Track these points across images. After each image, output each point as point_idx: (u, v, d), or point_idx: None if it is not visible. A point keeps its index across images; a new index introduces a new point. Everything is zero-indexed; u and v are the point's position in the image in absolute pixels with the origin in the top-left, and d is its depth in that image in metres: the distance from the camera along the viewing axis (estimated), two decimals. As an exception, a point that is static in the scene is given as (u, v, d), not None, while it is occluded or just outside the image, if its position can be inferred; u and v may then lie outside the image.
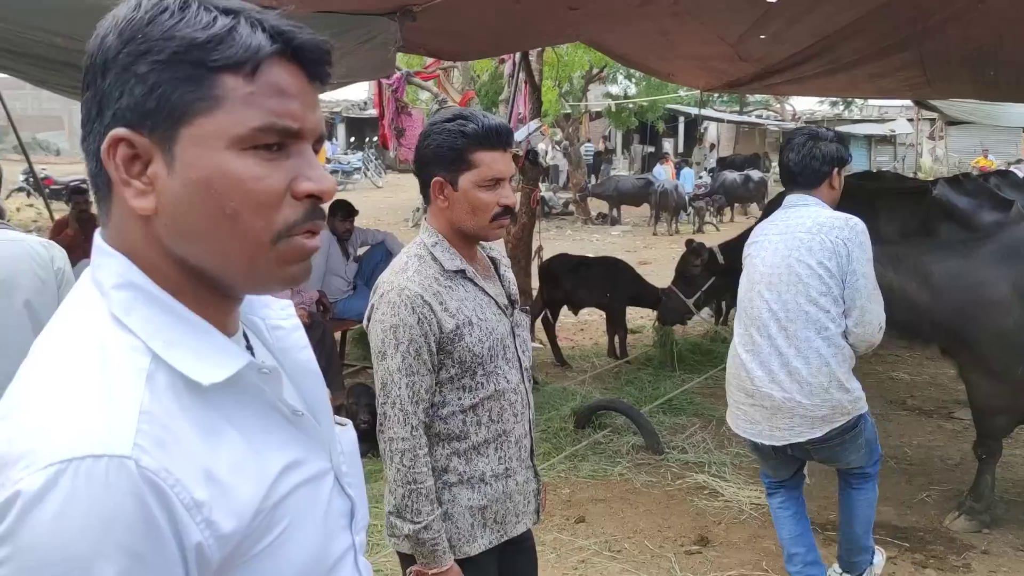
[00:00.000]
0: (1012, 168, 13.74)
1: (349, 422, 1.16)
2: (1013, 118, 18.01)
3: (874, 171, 7.94)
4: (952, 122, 21.35)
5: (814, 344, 3.11)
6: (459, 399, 2.05)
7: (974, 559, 3.98)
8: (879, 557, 3.74)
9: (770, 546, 4.09)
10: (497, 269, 2.25)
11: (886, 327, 3.20)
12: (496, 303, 2.12)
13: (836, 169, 3.27)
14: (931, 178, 10.64)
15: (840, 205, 3.35)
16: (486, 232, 2.08)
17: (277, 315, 1.10)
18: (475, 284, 2.09)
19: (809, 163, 3.25)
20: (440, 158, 2.03)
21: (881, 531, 4.24)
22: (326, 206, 1.20)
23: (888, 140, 33.80)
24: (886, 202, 5.75)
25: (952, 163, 27.57)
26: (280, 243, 0.89)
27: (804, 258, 3.12)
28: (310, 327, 5.77)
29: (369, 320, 2.06)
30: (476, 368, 2.05)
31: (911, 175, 21.80)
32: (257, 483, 0.87)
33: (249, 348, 1.01)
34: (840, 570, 3.65)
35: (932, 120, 26.65)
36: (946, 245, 4.36)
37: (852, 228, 3.12)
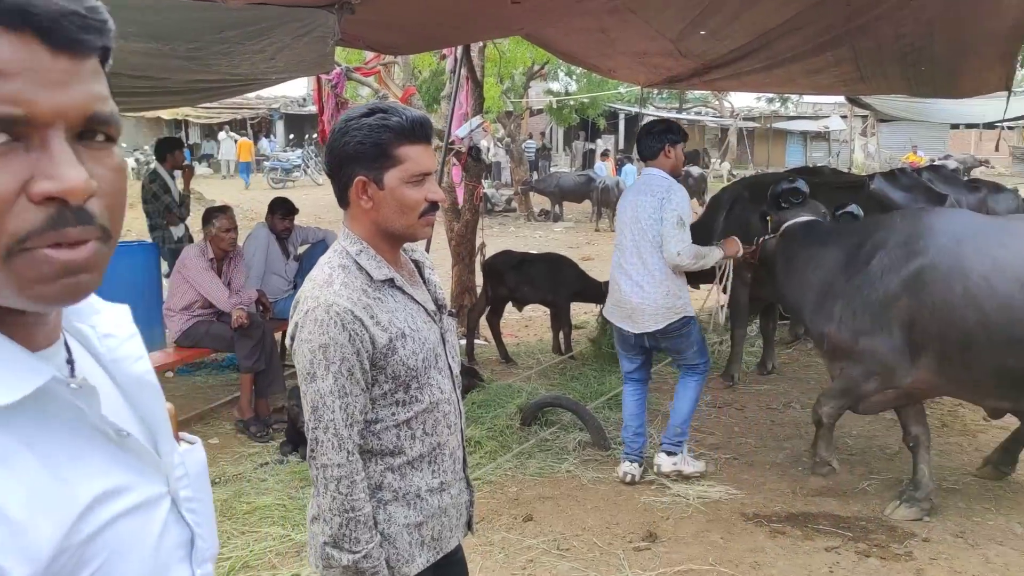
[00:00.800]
0: (940, 163, 14.09)
1: (198, 440, 1.05)
2: (941, 115, 18.48)
3: (812, 166, 8.05)
4: (883, 119, 21.85)
5: (654, 266, 4.68)
6: (393, 415, 1.94)
7: (915, 547, 4.04)
8: (700, 464, 4.96)
9: (717, 540, 4.11)
10: (421, 273, 2.14)
11: None
12: (425, 310, 2.02)
13: (667, 146, 4.77)
14: (864, 173, 10.85)
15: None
16: (415, 230, 1.97)
17: (108, 322, 0.97)
18: (404, 293, 1.98)
19: (647, 142, 4.85)
20: (362, 155, 1.89)
21: (823, 522, 4.30)
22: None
23: (823, 136, 34.50)
24: (825, 196, 5.83)
25: (884, 159, 28.20)
26: (14, 258, 0.73)
27: (645, 207, 4.70)
28: (249, 327, 5.64)
29: (293, 339, 1.92)
30: (410, 382, 1.94)
31: (846, 170, 22.24)
32: (60, 518, 0.76)
33: (70, 361, 0.88)
34: (662, 452, 4.92)
35: (864, 117, 27.22)
36: None
37: (668, 188, 4.69)
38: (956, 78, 8.99)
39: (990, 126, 29.32)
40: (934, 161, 21.55)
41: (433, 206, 1.98)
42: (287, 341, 1.97)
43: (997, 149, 17.99)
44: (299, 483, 4.73)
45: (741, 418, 6.00)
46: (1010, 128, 28.21)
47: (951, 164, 17.96)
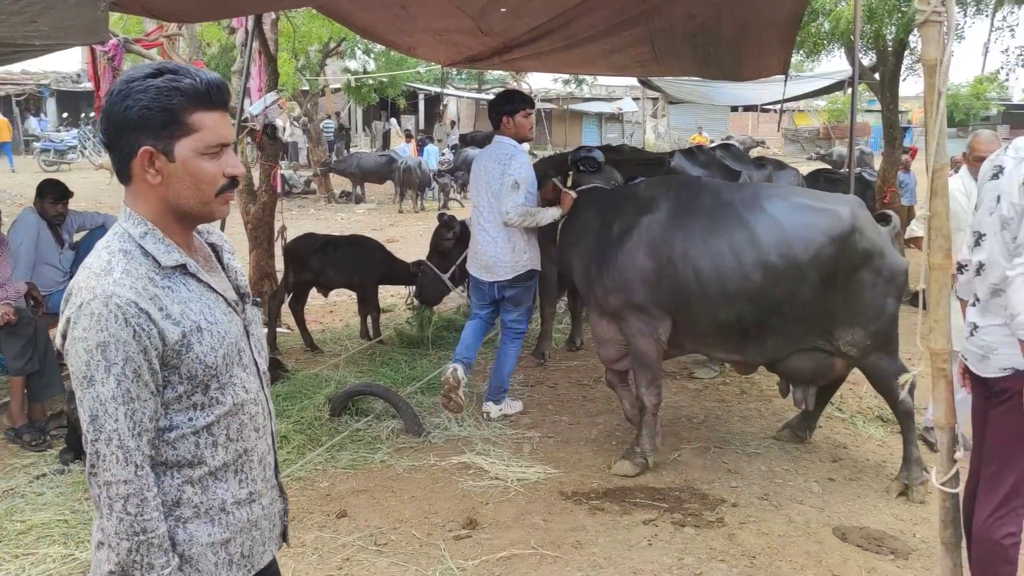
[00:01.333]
0: (729, 142, 14.80)
1: None
2: (724, 97, 19.60)
3: (613, 145, 8.25)
4: (673, 101, 22.90)
5: (501, 224, 5.27)
6: (190, 420, 1.69)
7: (726, 512, 4.16)
8: (517, 404, 5.64)
9: (538, 521, 4.06)
10: (220, 258, 1.88)
11: None
12: (224, 300, 1.77)
13: (504, 116, 5.38)
14: (658, 152, 11.26)
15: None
16: (212, 209, 1.72)
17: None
18: (199, 280, 1.72)
19: (490, 114, 5.53)
20: (148, 122, 1.62)
21: (640, 495, 4.35)
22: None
23: (617, 118, 35.77)
24: (628, 172, 5.93)
25: (673, 139, 29.64)
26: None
27: (492, 172, 5.32)
28: (17, 325, 5.06)
29: (65, 337, 1.63)
30: (209, 382, 1.70)
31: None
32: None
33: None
34: (489, 402, 5.52)
35: (655, 99, 28.47)
36: None
37: (511, 156, 5.27)
38: (741, 61, 9.45)
39: (765, 110, 31.46)
40: (713, 142, 22.80)
41: (232, 182, 1.73)
42: (57, 340, 1.66)
43: (778, 129, 19.26)
44: (83, 495, 4.27)
45: (554, 396, 6.01)
46: (783, 111, 30.35)
47: (736, 144, 19.09)
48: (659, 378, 4.71)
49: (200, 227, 1.85)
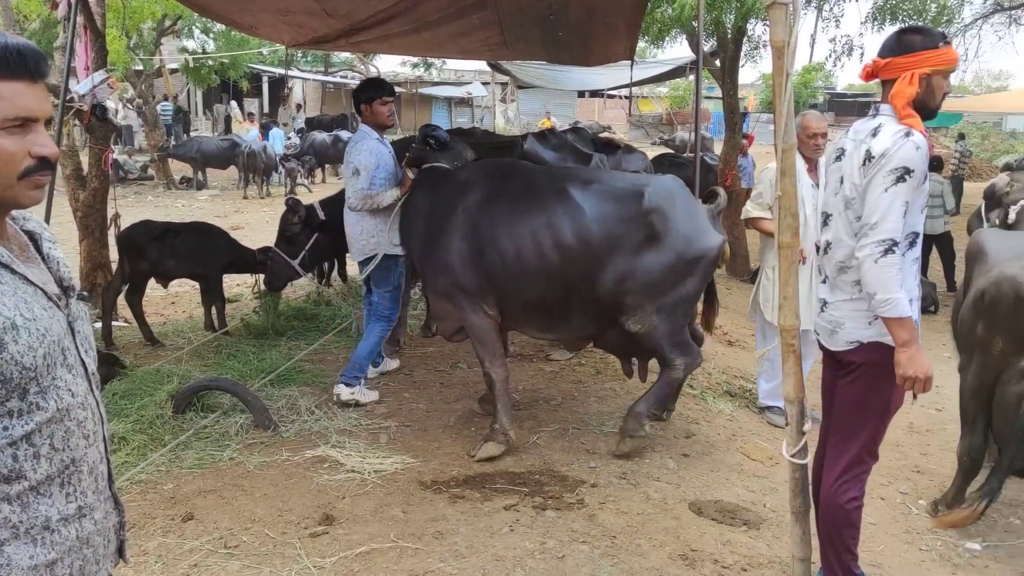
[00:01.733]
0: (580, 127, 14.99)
1: None
2: (571, 82, 19.88)
3: (465, 128, 8.16)
4: (522, 86, 23.03)
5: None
6: (5, 429, 1.48)
7: (586, 493, 4.17)
8: (372, 394, 5.53)
9: (398, 514, 3.94)
10: (39, 247, 1.68)
11: None
12: (44, 293, 1.57)
13: (363, 104, 5.45)
14: (507, 136, 11.27)
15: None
16: (16, 194, 1.52)
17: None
18: (13, 272, 1.52)
19: (354, 103, 5.59)
20: None
21: (500, 481, 4.30)
22: None
23: (467, 102, 35.74)
24: (482, 154, 5.88)
25: (522, 124, 29.87)
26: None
27: (350, 155, 5.36)
28: None
29: None
30: (28, 385, 1.50)
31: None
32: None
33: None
34: (340, 383, 5.36)
35: (504, 84, 28.59)
36: None
37: (356, 142, 5.38)
38: (588, 46, 9.56)
39: (611, 96, 32.18)
40: (562, 128, 23.13)
41: (43, 163, 1.52)
42: None
43: (630, 115, 19.70)
44: None
45: (410, 383, 5.89)
46: (627, 97, 31.11)
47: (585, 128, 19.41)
48: (501, 352, 4.80)
49: (15, 213, 1.64)
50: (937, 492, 4.88)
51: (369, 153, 5.29)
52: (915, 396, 3.02)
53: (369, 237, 5.42)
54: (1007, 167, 9.97)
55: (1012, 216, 5.42)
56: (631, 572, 3.50)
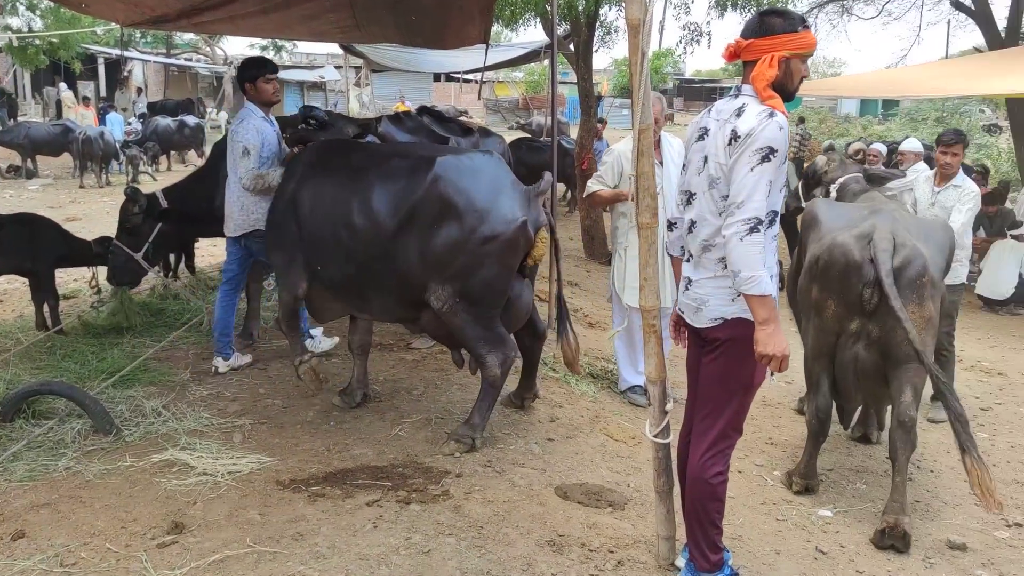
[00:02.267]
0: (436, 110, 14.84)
1: None
2: (428, 65, 19.67)
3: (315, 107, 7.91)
4: (376, 69, 22.62)
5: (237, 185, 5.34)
6: None
7: (451, 484, 4.08)
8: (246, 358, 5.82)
9: (254, 516, 3.73)
10: None
11: None
12: None
13: (246, 83, 5.46)
14: (361, 118, 11.02)
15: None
16: None
17: None
18: None
19: (238, 82, 5.57)
20: None
21: (362, 476, 4.16)
22: None
23: (319, 86, 34.89)
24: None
25: (377, 108, 29.38)
26: None
27: (236, 135, 5.28)
28: None
29: None
30: None
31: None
32: None
33: None
34: (217, 357, 5.64)
35: (358, 67, 28.03)
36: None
37: (239, 121, 5.34)
38: (442, 30, 9.40)
39: (467, 80, 32.10)
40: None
41: None
42: None
43: (480, 97, 19.67)
44: None
45: (265, 378, 5.63)
46: (484, 81, 31.14)
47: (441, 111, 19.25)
48: (296, 326, 5.07)
49: None
50: (790, 463, 5.06)
51: (256, 132, 5.28)
52: (772, 374, 3.07)
53: (249, 214, 5.43)
54: (829, 148, 10.57)
55: (832, 193, 5.79)
56: (499, 562, 3.43)
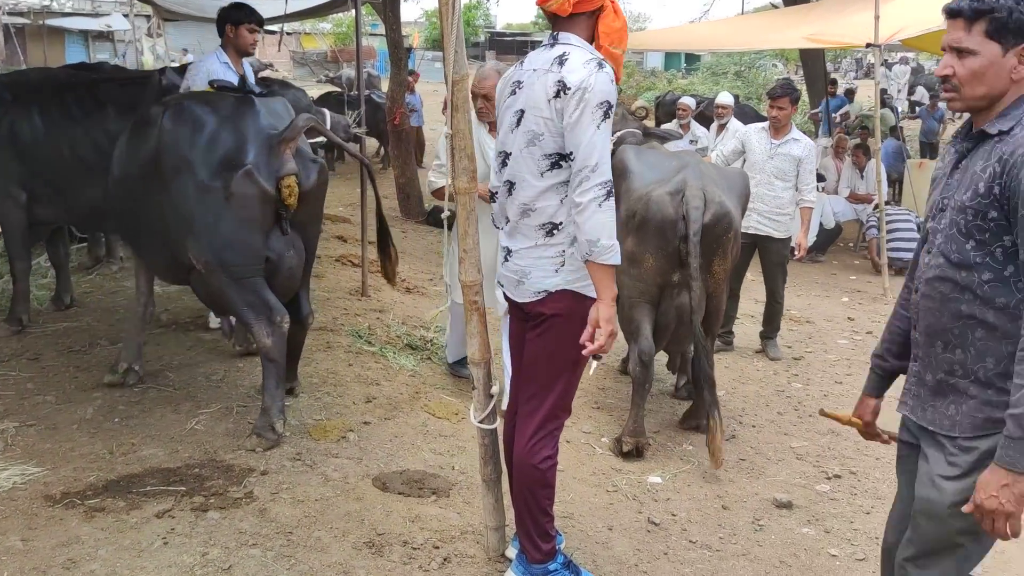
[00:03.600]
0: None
1: None
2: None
3: (93, 63, 7.03)
4: (168, 18, 20.95)
5: None
6: None
7: (255, 484, 3.63)
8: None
9: (15, 544, 3.13)
10: None
11: None
12: None
13: (228, 25, 5.32)
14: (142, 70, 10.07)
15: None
16: None
17: None
18: None
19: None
20: None
21: (151, 481, 3.64)
22: None
23: (106, 36, 32.17)
24: (111, 91, 4.99)
25: (173, 60, 27.37)
26: None
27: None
28: None
29: None
30: None
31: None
32: None
33: None
34: None
35: (148, 16, 25.96)
36: None
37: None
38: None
39: (270, 31, 30.45)
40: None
41: None
42: None
43: (279, 49, 18.66)
44: None
45: (37, 370, 4.90)
46: (288, 33, 29.69)
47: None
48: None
49: None
50: (618, 427, 4.92)
51: (205, 76, 5.01)
52: (599, 358, 2.83)
53: None
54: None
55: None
56: (311, 573, 3.06)
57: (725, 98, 9.37)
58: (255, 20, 5.37)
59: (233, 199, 3.87)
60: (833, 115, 14.67)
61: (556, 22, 2.80)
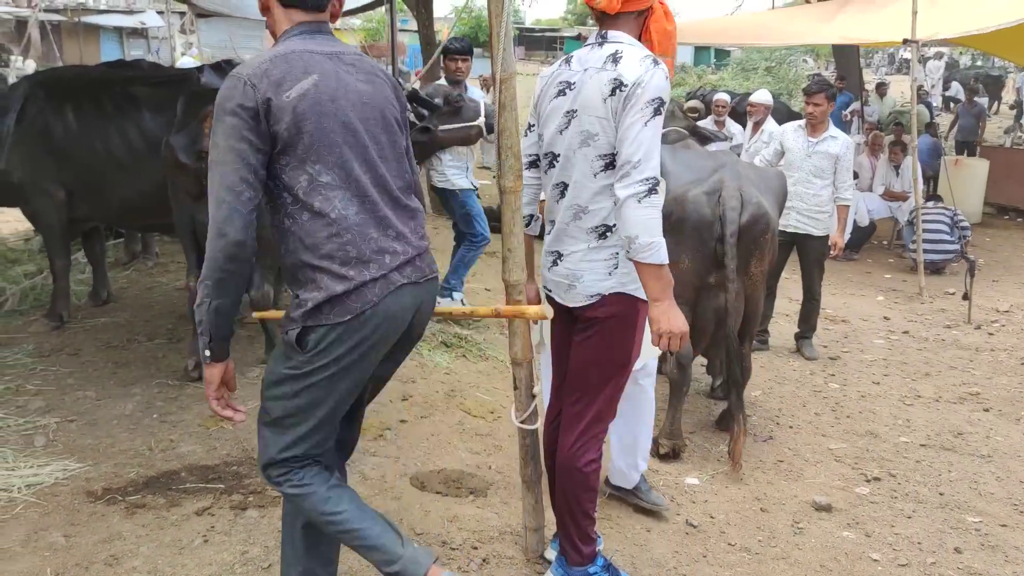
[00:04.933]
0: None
1: None
2: (256, 9, 18.44)
3: (129, 60, 7.10)
4: (202, 14, 21.10)
5: None
6: None
7: (294, 482, 3.64)
8: None
9: (58, 540, 3.18)
10: None
11: None
12: None
13: None
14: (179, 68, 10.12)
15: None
16: None
17: None
18: None
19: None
20: None
21: (190, 478, 3.67)
22: None
23: (140, 33, 32.47)
24: (147, 90, 5.02)
25: (207, 57, 27.57)
26: None
27: None
28: None
29: None
30: None
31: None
32: None
33: None
34: None
35: (182, 13, 26.16)
36: None
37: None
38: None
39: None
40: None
41: None
42: None
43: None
44: None
45: (77, 365, 4.95)
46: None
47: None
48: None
49: None
50: (655, 428, 4.88)
51: None
52: (671, 353, 2.79)
53: None
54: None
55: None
56: (351, 573, 3.06)
57: (761, 96, 9.21)
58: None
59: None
60: (844, 113, 14.46)
61: (604, 21, 2.76)
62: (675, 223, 4.38)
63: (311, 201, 2.28)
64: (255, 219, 2.23)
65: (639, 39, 2.74)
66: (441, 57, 6.04)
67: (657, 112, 2.58)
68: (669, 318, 2.61)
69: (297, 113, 2.23)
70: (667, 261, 2.60)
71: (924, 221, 9.02)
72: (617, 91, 2.60)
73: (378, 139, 2.41)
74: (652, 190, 2.56)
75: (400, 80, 14.42)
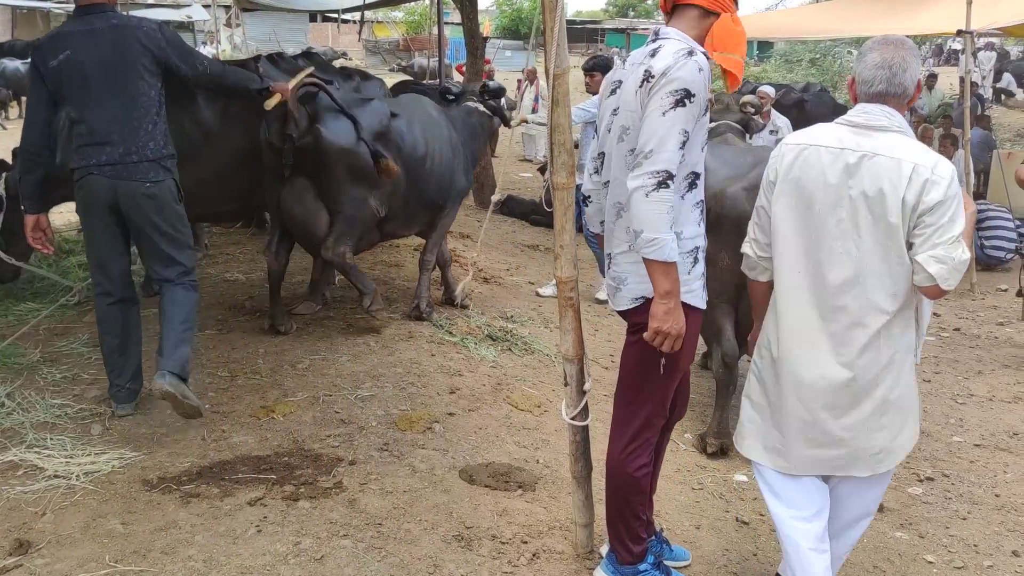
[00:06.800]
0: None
1: None
2: (303, 3, 18.65)
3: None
4: (247, 8, 21.34)
5: None
6: None
7: (344, 474, 3.66)
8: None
9: (116, 527, 3.23)
10: None
11: None
12: None
13: None
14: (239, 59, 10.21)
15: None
16: None
17: None
18: None
19: None
20: None
21: (243, 468, 3.70)
22: None
23: (187, 27, 32.88)
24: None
25: (250, 50, 27.85)
26: None
27: None
28: None
29: None
30: None
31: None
32: None
33: None
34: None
35: (228, 7, 26.44)
36: None
37: None
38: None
39: (345, 20, 30.83)
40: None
41: None
42: None
43: (360, 40, 18.88)
44: None
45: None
46: (353, 22, 29.92)
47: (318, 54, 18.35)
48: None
49: None
50: (700, 423, 4.85)
51: None
52: (663, 355, 2.72)
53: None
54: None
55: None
56: (402, 566, 3.07)
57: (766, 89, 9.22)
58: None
59: None
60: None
61: (667, 18, 2.74)
62: (714, 220, 4.25)
63: None
64: None
65: (701, 39, 2.68)
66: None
67: (680, 103, 2.50)
68: (670, 317, 2.57)
69: None
70: (674, 259, 2.54)
71: (988, 218, 8.85)
72: (645, 82, 2.56)
73: None
74: (662, 184, 2.49)
75: (446, 76, 14.41)
